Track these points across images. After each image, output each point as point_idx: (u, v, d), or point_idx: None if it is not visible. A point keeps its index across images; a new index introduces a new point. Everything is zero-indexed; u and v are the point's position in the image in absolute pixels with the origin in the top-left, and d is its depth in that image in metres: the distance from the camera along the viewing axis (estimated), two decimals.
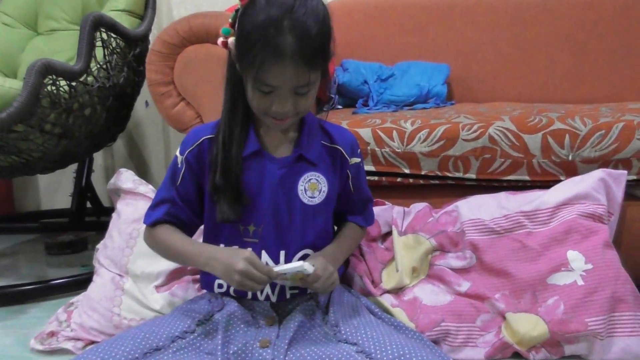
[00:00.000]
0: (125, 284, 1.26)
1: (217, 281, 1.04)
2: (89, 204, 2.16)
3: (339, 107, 1.88)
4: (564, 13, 1.97)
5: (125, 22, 1.81)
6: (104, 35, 1.66)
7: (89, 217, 2.16)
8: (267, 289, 1.03)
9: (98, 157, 2.42)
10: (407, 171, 1.35)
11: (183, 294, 1.22)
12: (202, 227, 1.10)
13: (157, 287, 1.24)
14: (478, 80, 1.98)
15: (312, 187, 1.03)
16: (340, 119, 1.43)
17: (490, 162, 1.31)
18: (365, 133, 1.34)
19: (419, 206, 1.32)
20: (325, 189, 1.04)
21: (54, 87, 1.45)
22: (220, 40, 0.96)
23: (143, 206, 1.23)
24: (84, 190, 2.10)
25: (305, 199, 1.03)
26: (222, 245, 1.03)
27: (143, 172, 2.47)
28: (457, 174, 1.34)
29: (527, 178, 1.32)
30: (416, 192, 1.39)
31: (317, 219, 1.05)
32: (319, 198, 1.04)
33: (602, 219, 1.20)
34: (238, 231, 1.02)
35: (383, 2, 2.08)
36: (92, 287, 1.29)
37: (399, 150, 1.33)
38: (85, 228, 2.11)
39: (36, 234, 2.28)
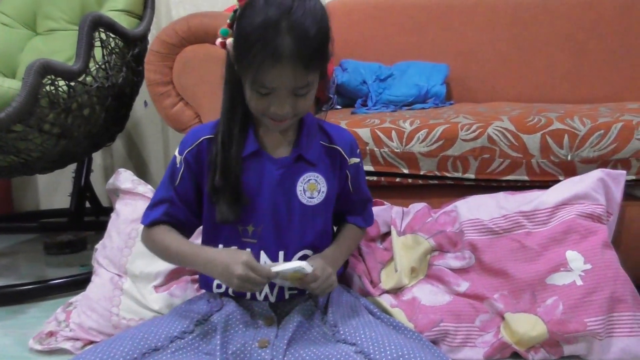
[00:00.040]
0: (124, 284, 1.26)
1: (216, 281, 1.04)
2: (88, 204, 2.16)
3: (338, 107, 1.88)
4: (563, 13, 1.97)
5: (124, 22, 1.81)
6: (103, 35, 1.66)
7: (88, 217, 2.16)
8: (266, 289, 1.03)
9: (97, 157, 2.42)
10: (406, 171, 1.35)
11: (182, 294, 1.22)
12: (200, 227, 1.10)
13: (156, 287, 1.24)
14: (477, 80, 1.98)
15: (311, 188, 1.03)
16: (339, 119, 1.43)
17: (489, 162, 1.31)
18: (364, 133, 1.34)
19: (417, 206, 1.32)
20: (324, 189, 1.04)
21: (52, 87, 1.45)
22: (218, 41, 0.96)
23: (142, 206, 1.23)
24: (83, 190, 2.11)
25: (304, 199, 1.03)
26: (221, 246, 1.03)
27: (142, 172, 2.47)
28: (456, 174, 1.34)
29: (526, 178, 1.31)
30: (415, 192, 1.39)
31: (316, 220, 1.05)
32: (318, 198, 1.04)
33: (601, 219, 1.20)
34: (237, 231, 1.02)
35: (382, 2, 2.08)
36: (90, 287, 1.29)
37: (398, 151, 1.33)
38: (84, 228, 2.11)
39: (35, 233, 2.28)
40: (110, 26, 1.67)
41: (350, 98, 1.88)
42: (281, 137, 1.03)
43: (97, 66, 1.63)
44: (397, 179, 1.37)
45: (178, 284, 1.24)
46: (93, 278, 1.31)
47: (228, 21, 0.94)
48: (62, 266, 1.85)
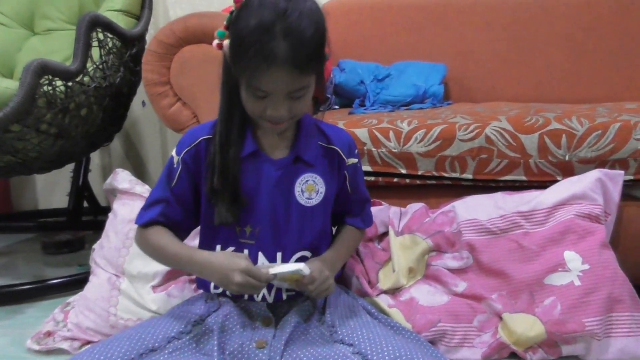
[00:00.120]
0: (122, 284, 1.26)
1: None
2: (86, 204, 2.16)
3: (336, 107, 1.87)
4: (561, 13, 1.96)
5: (122, 22, 1.80)
6: (100, 35, 1.66)
7: (86, 217, 2.16)
8: (264, 290, 1.02)
9: (95, 157, 2.42)
10: (403, 171, 1.35)
11: (179, 294, 1.22)
12: (195, 229, 1.09)
13: (154, 288, 1.24)
14: (475, 80, 1.98)
15: (309, 189, 1.03)
16: (336, 119, 1.43)
17: (487, 163, 1.31)
18: (361, 133, 1.34)
19: (415, 206, 1.32)
20: (322, 190, 1.04)
21: (50, 87, 1.45)
22: (215, 42, 0.95)
23: (139, 206, 1.22)
24: (81, 190, 2.10)
25: (302, 200, 1.02)
26: (218, 247, 1.03)
27: (140, 172, 2.47)
28: (454, 174, 1.34)
29: (523, 178, 1.31)
30: (413, 192, 1.38)
31: (314, 220, 1.04)
32: (316, 199, 1.03)
33: (599, 219, 1.20)
34: (235, 232, 1.02)
35: (380, 2, 2.07)
36: (88, 287, 1.29)
37: (396, 151, 1.33)
38: (82, 227, 2.11)
39: (33, 233, 2.28)
40: (108, 26, 1.67)
41: (348, 98, 1.88)
42: (279, 138, 1.02)
43: (95, 66, 1.63)
44: (395, 179, 1.37)
45: (176, 284, 1.24)
46: (91, 278, 1.31)
47: (224, 23, 0.94)
48: (60, 266, 1.84)
